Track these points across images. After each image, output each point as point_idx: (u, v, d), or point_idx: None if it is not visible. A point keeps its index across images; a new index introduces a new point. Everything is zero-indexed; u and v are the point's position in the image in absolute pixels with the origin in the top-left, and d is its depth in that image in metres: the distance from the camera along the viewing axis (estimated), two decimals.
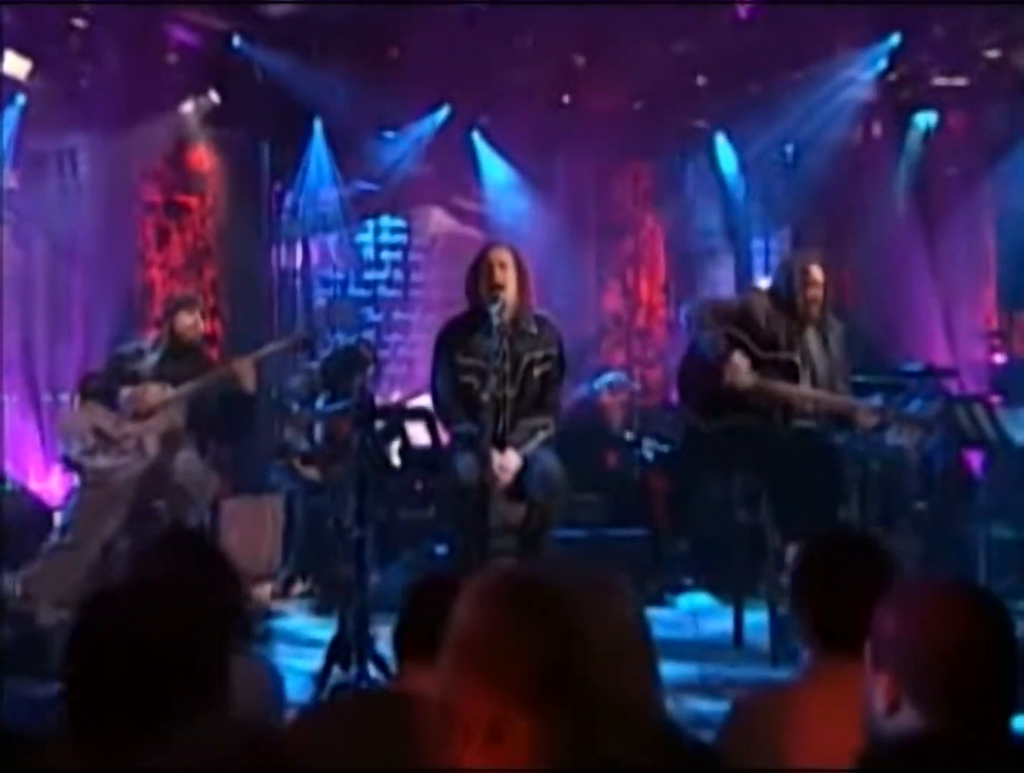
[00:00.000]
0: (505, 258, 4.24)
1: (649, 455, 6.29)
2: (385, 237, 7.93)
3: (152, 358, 4.89)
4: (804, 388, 4.60)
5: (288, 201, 7.46)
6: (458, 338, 4.28)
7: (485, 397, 3.99)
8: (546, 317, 4.41)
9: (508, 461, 4.15)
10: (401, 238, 7.95)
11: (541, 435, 4.25)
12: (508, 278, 4.20)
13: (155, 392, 4.74)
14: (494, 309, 4.13)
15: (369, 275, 7.90)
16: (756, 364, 4.65)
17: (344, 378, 5.24)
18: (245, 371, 4.77)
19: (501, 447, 4.17)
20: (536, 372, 4.27)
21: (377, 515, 4.81)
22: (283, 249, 7.55)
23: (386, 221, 7.94)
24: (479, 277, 4.22)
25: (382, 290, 7.91)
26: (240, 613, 2.18)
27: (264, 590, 5.64)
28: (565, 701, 1.19)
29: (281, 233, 7.48)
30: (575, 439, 6.08)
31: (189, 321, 4.95)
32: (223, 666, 1.56)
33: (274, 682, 2.33)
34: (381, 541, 5.37)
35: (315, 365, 5.88)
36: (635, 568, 5.39)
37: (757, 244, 7.78)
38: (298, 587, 5.80)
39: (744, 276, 7.76)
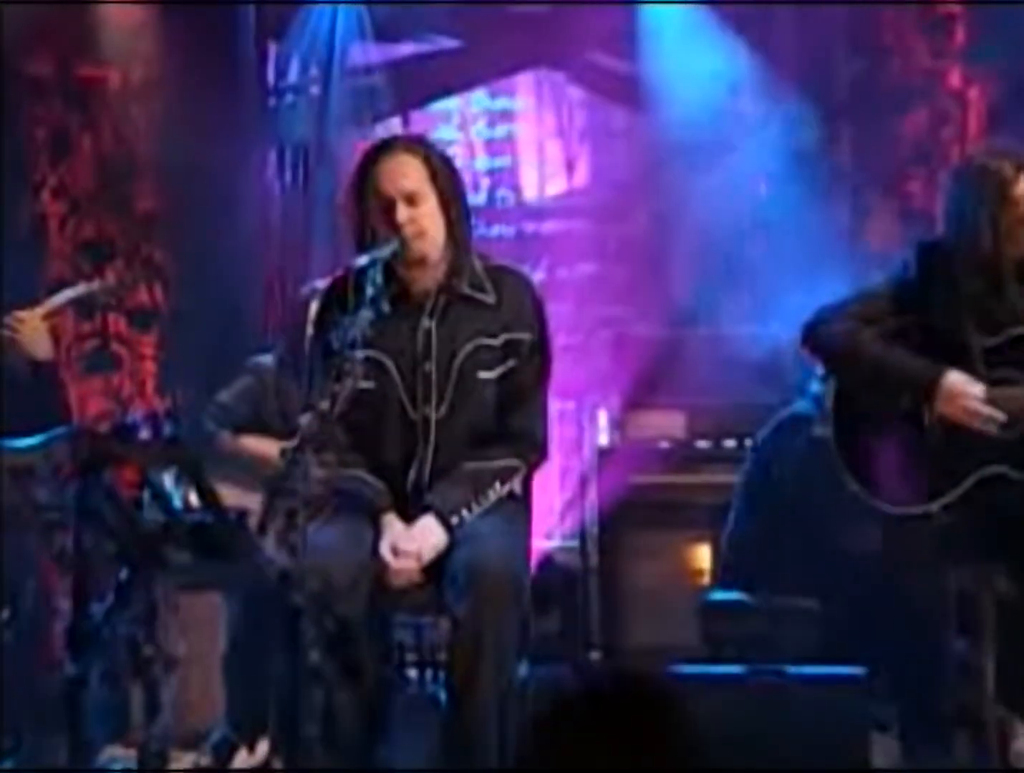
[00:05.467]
0: (410, 175, 3.94)
1: None
2: (479, 130, 7.48)
3: None
4: None
5: (293, 74, 7.16)
6: (342, 315, 3.99)
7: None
8: (510, 271, 4.14)
9: (412, 539, 3.86)
10: (505, 130, 7.47)
11: (497, 489, 3.94)
12: (423, 213, 3.91)
13: None
14: (363, 261, 3.86)
15: None
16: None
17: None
18: (30, 335, 4.75)
19: (410, 513, 3.92)
20: (484, 374, 4.00)
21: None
22: (285, 158, 7.23)
23: (478, 100, 7.46)
24: (365, 210, 3.97)
25: (476, 226, 6.97)
26: None
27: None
28: None
29: (279, 130, 7.18)
30: (770, 498, 5.62)
31: None
32: None
33: None
34: None
35: (266, 360, 5.44)
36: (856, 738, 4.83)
37: None
38: (245, 757, 5.40)
39: None
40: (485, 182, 7.38)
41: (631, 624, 5.88)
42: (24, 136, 6.75)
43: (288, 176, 7.19)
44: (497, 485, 3.95)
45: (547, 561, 6.34)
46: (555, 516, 6.54)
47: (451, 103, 7.37)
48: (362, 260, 3.87)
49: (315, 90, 7.07)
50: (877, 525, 5.44)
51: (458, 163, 6.93)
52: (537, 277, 6.99)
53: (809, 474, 5.60)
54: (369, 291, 3.81)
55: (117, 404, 6.48)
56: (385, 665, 3.97)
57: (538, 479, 6.47)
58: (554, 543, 6.39)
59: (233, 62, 6.95)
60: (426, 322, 3.96)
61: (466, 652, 3.75)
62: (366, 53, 7.04)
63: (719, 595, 5.54)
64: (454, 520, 3.87)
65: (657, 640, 5.75)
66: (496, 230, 7.30)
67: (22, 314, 4.82)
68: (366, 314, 3.77)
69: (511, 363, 4.00)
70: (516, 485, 3.98)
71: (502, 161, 7.41)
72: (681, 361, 6.29)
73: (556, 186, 7.44)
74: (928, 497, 4.32)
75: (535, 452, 4.04)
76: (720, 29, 7.01)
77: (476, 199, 7.25)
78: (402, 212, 3.86)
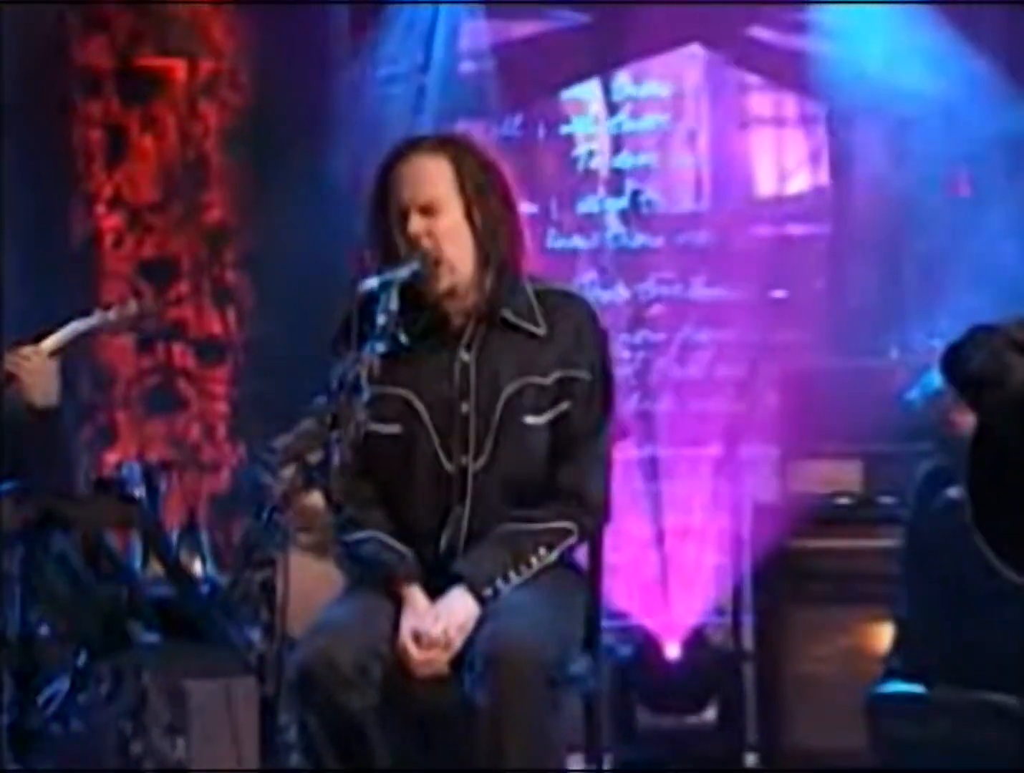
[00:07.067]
0: (430, 181, 3.85)
1: None
2: (622, 121, 7.20)
3: None
4: None
5: (393, 62, 6.99)
6: (346, 350, 3.90)
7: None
8: (566, 295, 4.03)
9: (438, 620, 3.74)
10: (653, 121, 7.16)
11: (542, 555, 3.81)
12: (443, 226, 3.82)
13: None
14: (371, 284, 3.73)
15: (587, 205, 7.20)
16: None
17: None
18: (31, 377, 4.74)
19: (438, 585, 3.82)
20: (531, 418, 3.89)
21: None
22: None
23: (620, 87, 7.17)
24: (387, 221, 3.89)
25: (616, 237, 7.19)
26: None
27: None
28: None
29: (376, 126, 6.86)
30: (933, 563, 5.27)
31: None
32: None
33: None
34: None
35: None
36: None
37: None
38: None
39: None
40: (628, 184, 7.11)
41: (794, 720, 5.74)
42: (76, 138, 6.77)
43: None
44: (542, 551, 3.82)
45: (698, 643, 6.16)
46: (699, 588, 6.30)
47: (586, 90, 7.12)
48: (371, 283, 3.71)
49: (420, 79, 6.96)
50: None
51: (596, 161, 7.24)
52: (690, 295, 7.05)
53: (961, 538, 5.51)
54: (380, 320, 3.65)
55: (182, 452, 6.36)
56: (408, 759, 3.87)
57: (675, 542, 6.34)
58: (702, 621, 6.18)
59: (321, 49, 6.85)
60: (463, 355, 3.85)
61: (486, 749, 3.62)
62: (478, 34, 6.95)
63: (891, 687, 5.25)
64: (487, 592, 3.74)
65: (825, 741, 5.62)
66: (639, 240, 7.05)
67: (26, 350, 4.78)
68: (375, 347, 3.62)
69: (564, 406, 3.87)
70: (570, 552, 3.87)
71: (649, 158, 7.11)
72: (859, 398, 6.05)
73: (717, 189, 7.13)
74: None
75: (590, 513, 3.88)
76: None
77: (616, 204, 7.13)
78: (415, 223, 3.74)
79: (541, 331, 3.87)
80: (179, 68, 6.87)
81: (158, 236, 6.79)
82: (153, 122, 6.84)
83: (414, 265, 3.72)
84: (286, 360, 6.52)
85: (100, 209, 6.78)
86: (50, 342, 4.87)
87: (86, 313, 5.09)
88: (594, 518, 3.90)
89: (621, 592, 6.23)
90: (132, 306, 5.00)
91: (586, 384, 3.90)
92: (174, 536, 5.39)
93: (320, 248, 6.57)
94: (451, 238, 3.75)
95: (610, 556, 6.21)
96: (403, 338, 3.74)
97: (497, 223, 3.81)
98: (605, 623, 6.35)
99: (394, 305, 3.69)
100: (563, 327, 3.89)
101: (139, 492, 5.47)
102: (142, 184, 6.83)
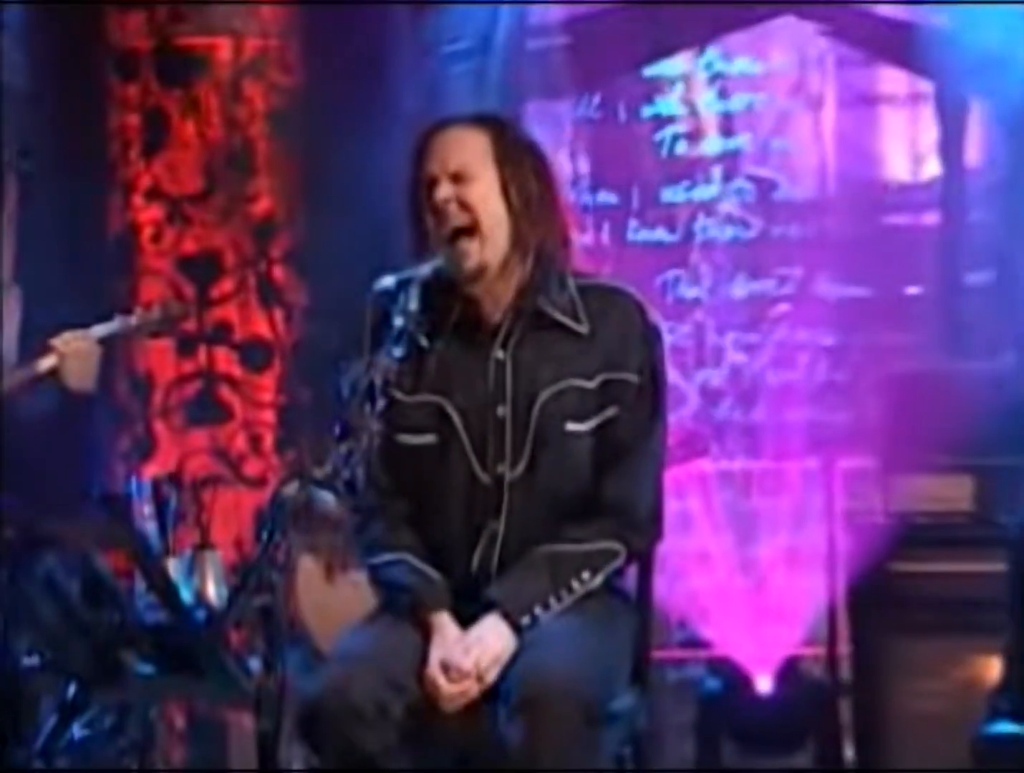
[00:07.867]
0: (463, 151, 3.79)
1: None
2: (709, 101, 7.13)
3: None
4: None
5: (456, 39, 6.91)
6: (359, 354, 3.96)
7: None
8: (613, 291, 3.93)
9: (468, 652, 3.66)
10: (745, 100, 7.12)
11: (585, 579, 3.76)
12: (472, 192, 3.75)
13: None
14: (387, 282, 3.83)
15: (673, 194, 7.14)
16: None
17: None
18: (74, 357, 4.83)
19: (470, 608, 3.76)
20: (573, 425, 3.82)
21: None
22: None
23: (709, 63, 7.08)
24: (419, 207, 3.86)
25: (704, 228, 7.12)
26: None
27: None
28: None
29: (441, 110, 6.61)
30: None
31: None
32: None
33: None
34: None
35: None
36: None
37: None
38: None
39: None
40: (716, 170, 7.04)
41: (897, 761, 5.44)
42: (111, 123, 6.77)
43: None
44: (585, 575, 3.73)
45: (792, 676, 6.14)
46: (792, 615, 6.21)
47: (672, 67, 7.03)
48: (387, 282, 3.73)
49: (485, 58, 6.89)
50: None
51: (682, 146, 7.11)
52: (786, 293, 6.92)
53: None
54: (398, 321, 3.61)
55: (226, 465, 6.27)
56: None
57: (767, 565, 6.25)
58: (796, 652, 6.12)
59: (378, 26, 6.73)
60: (498, 353, 3.75)
61: None
62: (550, 8, 6.88)
63: (997, 728, 4.88)
64: (524, 621, 3.64)
65: None
66: (729, 232, 6.97)
67: (73, 333, 4.86)
68: (391, 351, 3.58)
69: (610, 412, 3.77)
70: (616, 575, 3.79)
71: (740, 141, 7.05)
72: (971, 405, 5.76)
73: (818, 174, 7.00)
74: None
75: (639, 531, 3.78)
76: None
77: (705, 192, 7.08)
78: (443, 189, 3.63)
79: (583, 329, 3.77)
80: (223, 47, 6.85)
81: (200, 229, 6.78)
82: (195, 106, 6.83)
83: (436, 261, 3.65)
84: (339, 365, 6.45)
85: (137, 200, 6.79)
86: (99, 329, 4.91)
87: (110, 316, 5.08)
88: (643, 537, 3.81)
89: (707, 620, 6.18)
90: (155, 310, 4.99)
91: (634, 388, 3.80)
92: (186, 557, 5.26)
93: (375, 242, 6.24)
94: (484, 209, 3.64)
95: (695, 581, 6.10)
96: (423, 341, 3.69)
97: (535, 205, 3.70)
98: (690, 654, 6.25)
99: (414, 305, 3.64)
100: (608, 325, 3.79)
101: (148, 509, 5.39)
102: (183, 173, 6.83)
